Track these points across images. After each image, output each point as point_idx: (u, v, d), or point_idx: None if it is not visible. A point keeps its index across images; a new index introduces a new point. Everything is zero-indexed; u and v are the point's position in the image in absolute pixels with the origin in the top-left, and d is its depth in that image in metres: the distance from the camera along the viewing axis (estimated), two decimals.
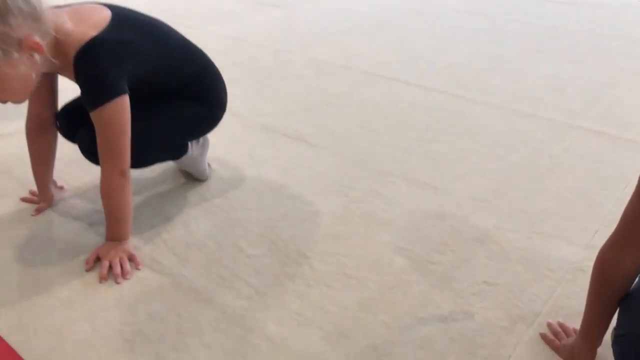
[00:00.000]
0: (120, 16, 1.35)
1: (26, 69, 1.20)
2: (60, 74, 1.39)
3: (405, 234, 1.52)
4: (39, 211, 1.58)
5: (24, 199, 1.63)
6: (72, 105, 1.53)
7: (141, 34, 1.39)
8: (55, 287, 1.30)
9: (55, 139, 1.55)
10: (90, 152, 1.39)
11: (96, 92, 1.28)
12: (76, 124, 1.45)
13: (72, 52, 1.26)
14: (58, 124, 1.52)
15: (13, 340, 1.15)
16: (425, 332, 1.20)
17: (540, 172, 1.86)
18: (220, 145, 1.98)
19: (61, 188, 1.68)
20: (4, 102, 1.26)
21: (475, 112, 2.33)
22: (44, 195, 1.60)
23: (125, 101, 1.30)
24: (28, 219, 1.55)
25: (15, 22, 1.14)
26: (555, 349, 1.14)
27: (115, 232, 1.40)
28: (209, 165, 1.78)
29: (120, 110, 1.30)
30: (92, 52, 1.26)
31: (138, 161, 1.42)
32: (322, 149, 1.99)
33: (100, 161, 1.34)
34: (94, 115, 1.29)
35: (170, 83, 1.49)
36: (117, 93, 1.28)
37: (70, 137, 1.54)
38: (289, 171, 1.84)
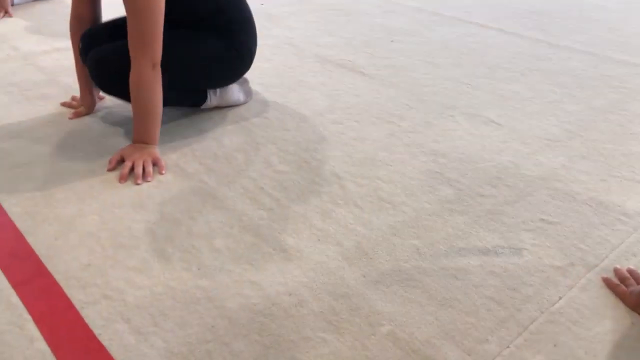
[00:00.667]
0: None
1: None
2: None
3: (455, 165, 1.34)
4: (77, 115, 1.54)
5: (63, 104, 1.60)
6: (95, 30, 1.46)
7: None
8: (75, 182, 1.25)
9: None
10: (98, 75, 1.37)
11: None
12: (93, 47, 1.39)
13: None
14: (80, 45, 1.46)
15: (22, 225, 1.11)
16: (462, 262, 1.03)
17: (628, 118, 1.60)
18: (269, 71, 1.87)
19: (102, 98, 1.64)
20: None
21: (558, 55, 2.06)
22: (85, 100, 1.56)
23: None
24: (65, 122, 1.52)
25: None
26: (621, 295, 0.94)
27: (143, 132, 1.32)
28: (249, 90, 1.66)
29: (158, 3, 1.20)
30: None
31: None
32: (377, 79, 1.83)
33: (132, 52, 1.25)
34: None
35: (198, 7, 1.38)
36: None
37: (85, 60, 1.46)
38: (338, 97, 1.69)
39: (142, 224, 1.12)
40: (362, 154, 1.39)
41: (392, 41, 2.18)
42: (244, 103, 1.64)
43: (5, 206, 1.16)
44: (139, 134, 1.32)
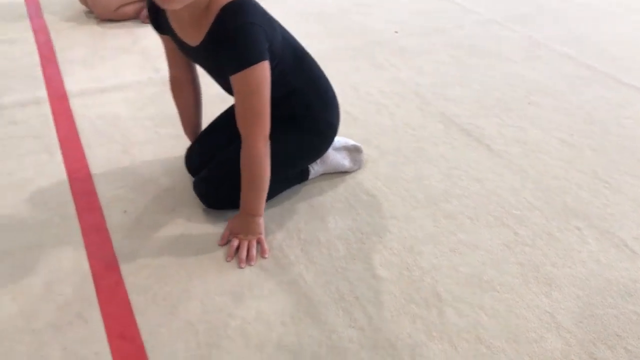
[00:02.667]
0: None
1: None
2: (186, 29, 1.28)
3: (570, 305, 1.22)
4: None
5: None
6: (197, 151, 1.53)
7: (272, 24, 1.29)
8: (188, 256, 1.32)
9: (195, 96, 1.53)
10: (207, 198, 1.42)
11: (244, 51, 1.17)
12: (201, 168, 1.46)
13: (218, 4, 1.17)
14: (187, 165, 1.54)
15: (135, 300, 1.19)
16: None
17: None
18: (389, 130, 1.81)
19: None
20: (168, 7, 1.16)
21: None
22: None
23: (268, 68, 1.21)
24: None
25: None
26: None
27: (250, 204, 1.34)
28: (359, 159, 1.62)
29: (267, 75, 1.21)
30: (244, 7, 1.17)
31: None
32: (504, 159, 1.70)
33: (244, 130, 1.26)
34: (237, 79, 1.19)
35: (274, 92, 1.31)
36: (265, 57, 1.19)
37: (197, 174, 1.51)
38: (457, 180, 1.60)
39: (239, 321, 1.16)
40: (470, 268, 1.31)
41: (528, 103, 2.01)
42: (351, 171, 1.61)
43: (124, 274, 1.26)
44: (246, 206, 1.35)
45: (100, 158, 1.62)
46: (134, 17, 2.52)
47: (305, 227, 1.41)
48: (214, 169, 1.42)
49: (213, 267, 1.29)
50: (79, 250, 1.31)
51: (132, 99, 1.92)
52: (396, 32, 2.53)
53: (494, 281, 1.28)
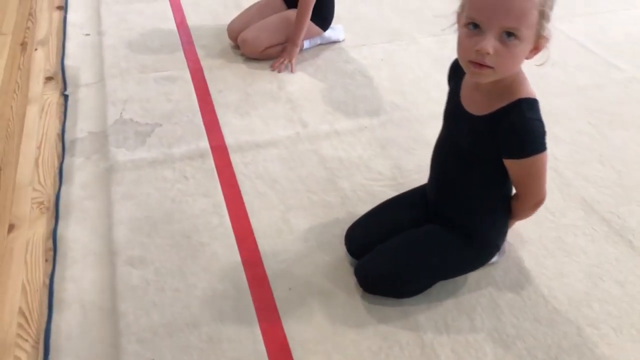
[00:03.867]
0: None
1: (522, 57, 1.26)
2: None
3: None
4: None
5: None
6: (360, 232, 1.64)
7: None
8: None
9: None
10: (368, 285, 1.54)
11: (534, 140, 1.31)
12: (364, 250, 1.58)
13: (518, 89, 1.31)
14: (347, 245, 1.66)
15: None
16: None
17: None
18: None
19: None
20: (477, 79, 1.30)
21: None
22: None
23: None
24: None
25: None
26: None
27: None
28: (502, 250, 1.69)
29: (546, 164, 1.38)
30: (538, 106, 1.33)
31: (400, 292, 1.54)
32: None
33: (523, 192, 1.47)
34: (528, 162, 1.33)
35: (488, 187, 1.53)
36: (546, 148, 1.34)
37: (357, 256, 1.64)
38: (598, 280, 1.64)
39: None
40: None
41: None
42: (495, 262, 1.69)
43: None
44: None
45: (263, 224, 1.81)
46: (276, 57, 2.67)
47: (452, 324, 1.52)
48: (379, 256, 1.54)
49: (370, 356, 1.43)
50: (253, 328, 1.50)
51: (285, 158, 2.08)
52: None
53: None
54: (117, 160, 2.04)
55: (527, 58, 1.25)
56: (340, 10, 2.76)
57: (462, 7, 1.25)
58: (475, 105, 1.38)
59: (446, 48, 2.82)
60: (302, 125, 2.26)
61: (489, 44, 1.16)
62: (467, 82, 1.42)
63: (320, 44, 2.80)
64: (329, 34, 2.79)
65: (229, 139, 2.17)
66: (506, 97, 1.31)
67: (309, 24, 2.59)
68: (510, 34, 1.17)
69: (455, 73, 1.47)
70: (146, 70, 2.58)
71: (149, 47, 2.76)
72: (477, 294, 1.61)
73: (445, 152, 1.52)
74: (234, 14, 2.94)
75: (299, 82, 2.53)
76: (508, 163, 1.37)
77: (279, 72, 2.55)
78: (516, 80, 1.30)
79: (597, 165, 2.08)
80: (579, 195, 1.95)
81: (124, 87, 2.46)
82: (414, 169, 2.04)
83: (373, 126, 2.27)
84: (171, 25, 2.96)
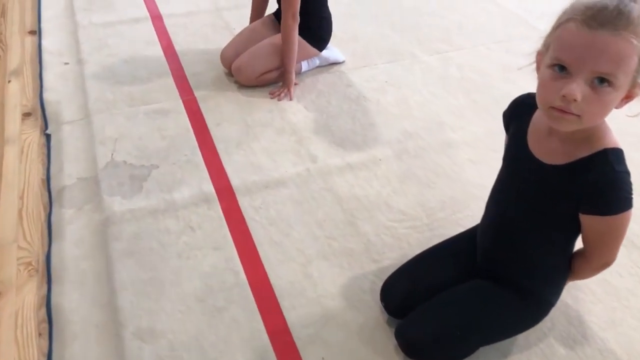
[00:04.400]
0: None
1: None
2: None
3: None
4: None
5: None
6: (400, 286, 1.49)
7: None
8: None
9: None
10: (414, 351, 1.38)
11: (626, 194, 1.15)
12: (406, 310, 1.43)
13: (603, 138, 1.15)
14: (383, 300, 1.51)
15: None
16: None
17: None
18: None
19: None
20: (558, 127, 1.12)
21: None
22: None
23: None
24: None
25: None
26: None
27: None
28: None
29: (629, 222, 1.20)
30: (623, 157, 1.16)
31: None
32: None
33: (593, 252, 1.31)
34: (611, 220, 1.17)
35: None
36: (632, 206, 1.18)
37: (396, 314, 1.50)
38: None
39: None
40: None
41: None
42: None
43: None
44: None
45: (283, 281, 1.63)
46: (274, 82, 2.50)
47: None
48: (423, 317, 1.38)
49: None
50: None
51: (297, 199, 1.91)
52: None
53: None
54: (113, 211, 1.84)
55: (616, 107, 1.08)
56: (334, 29, 2.59)
57: (547, 46, 1.07)
58: (548, 153, 1.21)
59: (451, 66, 2.69)
60: (311, 160, 2.09)
61: (578, 89, 1.00)
62: (537, 125, 1.24)
63: (320, 66, 2.63)
64: (327, 54, 2.63)
65: (235, 180, 1.98)
66: (588, 146, 1.15)
67: (304, 45, 2.43)
68: (603, 79, 1.00)
69: (517, 113, 1.30)
70: (135, 103, 2.37)
71: (135, 77, 2.54)
72: (528, 352, 1.46)
73: (507, 199, 1.34)
74: (224, 35, 2.76)
75: (302, 110, 2.36)
76: (586, 219, 1.20)
77: (279, 100, 2.38)
78: (600, 127, 1.14)
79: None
80: None
81: (112, 123, 2.25)
82: (438, 207, 1.89)
83: (387, 158, 2.11)
84: (157, 50, 2.75)
